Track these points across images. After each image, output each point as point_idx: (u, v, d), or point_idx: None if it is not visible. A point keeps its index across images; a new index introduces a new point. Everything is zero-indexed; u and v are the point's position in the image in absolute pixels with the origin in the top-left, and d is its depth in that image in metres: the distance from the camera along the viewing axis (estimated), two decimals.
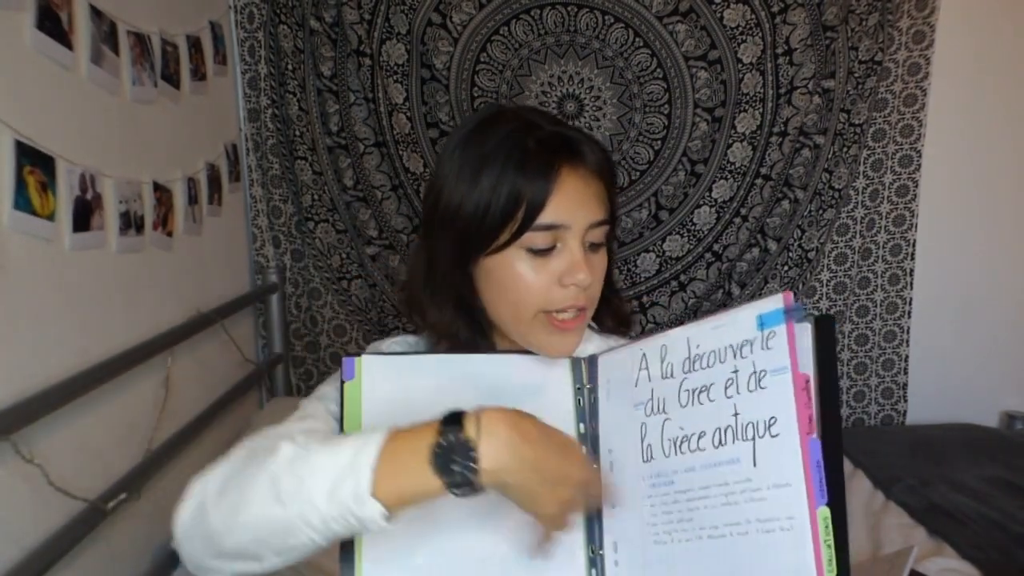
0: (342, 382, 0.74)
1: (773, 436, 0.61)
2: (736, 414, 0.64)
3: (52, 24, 1.19)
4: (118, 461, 1.37)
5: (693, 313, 2.20)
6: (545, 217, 0.72)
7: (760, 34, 2.03)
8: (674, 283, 2.20)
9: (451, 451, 0.59)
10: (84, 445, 1.27)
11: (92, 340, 1.30)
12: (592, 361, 0.79)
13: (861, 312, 2.25)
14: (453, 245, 0.77)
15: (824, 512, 0.58)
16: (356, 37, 2.01)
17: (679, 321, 2.22)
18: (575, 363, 0.79)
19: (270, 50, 2.05)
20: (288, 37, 2.04)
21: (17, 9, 1.13)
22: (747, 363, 0.64)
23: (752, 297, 2.20)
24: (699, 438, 0.66)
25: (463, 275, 0.78)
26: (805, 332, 0.61)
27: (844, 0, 2.00)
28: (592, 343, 0.88)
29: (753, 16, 2.02)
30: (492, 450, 0.59)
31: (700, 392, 0.67)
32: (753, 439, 0.62)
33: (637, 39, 2.05)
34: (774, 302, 0.63)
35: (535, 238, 0.73)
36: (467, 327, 0.80)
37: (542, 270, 0.74)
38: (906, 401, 2.27)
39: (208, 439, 1.74)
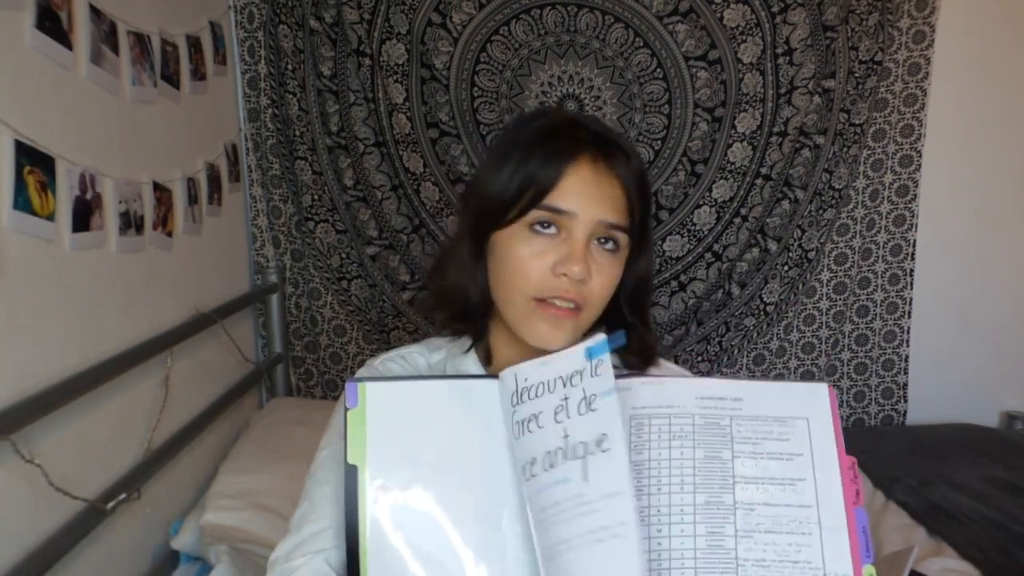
0: (346, 409, 0.73)
1: (603, 451, 0.66)
2: (566, 436, 0.68)
3: (52, 24, 1.19)
4: (118, 461, 1.37)
5: (693, 313, 2.20)
6: (552, 199, 0.74)
7: (760, 34, 2.03)
8: (674, 283, 2.20)
9: None
10: (84, 445, 1.27)
11: (92, 340, 1.30)
12: None
13: (861, 312, 2.25)
14: (471, 219, 0.80)
15: (870, 570, 0.66)
16: (356, 37, 2.01)
17: (680, 321, 2.22)
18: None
19: (270, 50, 2.05)
20: (288, 37, 2.04)
21: (17, 9, 1.13)
22: (577, 390, 0.69)
23: (752, 297, 2.20)
24: (531, 464, 0.69)
25: (476, 250, 0.80)
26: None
27: (844, 0, 2.00)
28: None
29: (753, 16, 2.02)
30: None
31: (528, 421, 0.70)
32: (584, 457, 0.67)
33: (637, 39, 2.05)
34: (597, 338, 0.70)
35: (539, 215, 0.74)
36: (472, 298, 0.81)
37: (541, 256, 0.75)
38: (906, 401, 2.27)
39: (208, 439, 1.74)
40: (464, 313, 0.83)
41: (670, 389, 0.74)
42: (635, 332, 0.84)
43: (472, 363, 0.86)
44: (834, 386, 0.71)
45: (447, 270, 0.83)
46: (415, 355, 0.89)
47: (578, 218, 0.74)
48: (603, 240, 0.76)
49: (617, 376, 0.77)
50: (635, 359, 0.86)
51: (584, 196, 0.74)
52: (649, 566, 0.66)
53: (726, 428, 0.71)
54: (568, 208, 0.74)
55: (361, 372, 0.88)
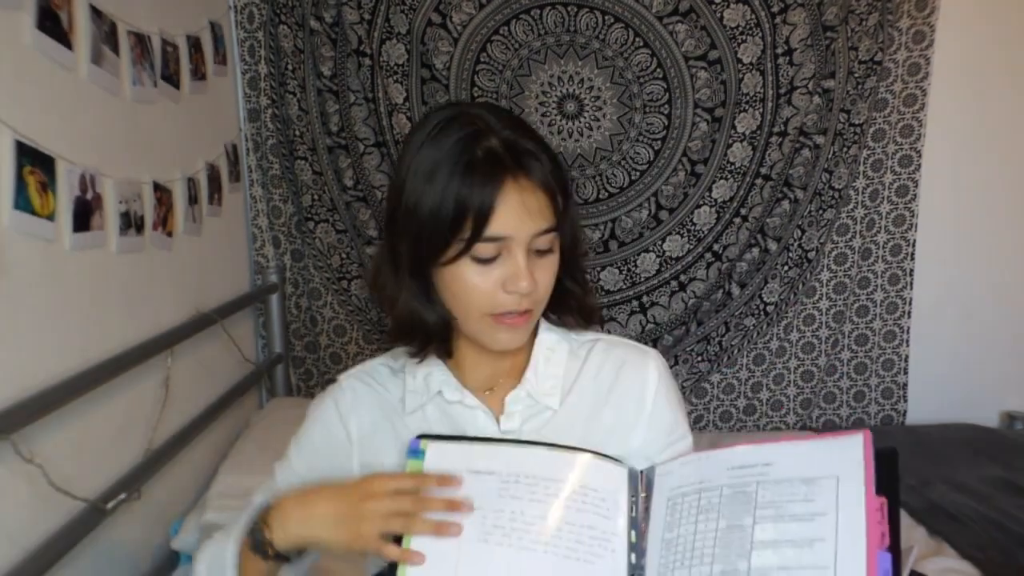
0: (408, 456, 0.78)
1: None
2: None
3: (52, 24, 1.19)
4: (118, 461, 1.37)
5: (693, 313, 2.20)
6: (490, 230, 0.76)
7: (760, 34, 2.03)
8: (674, 283, 2.20)
9: (254, 532, 0.80)
10: (84, 445, 1.27)
11: (92, 340, 1.30)
12: (649, 473, 0.79)
13: (861, 312, 2.25)
14: (411, 252, 0.80)
15: None
16: (356, 37, 2.01)
17: (680, 321, 2.22)
18: (632, 474, 0.79)
19: (270, 50, 2.05)
20: (288, 37, 2.04)
21: (17, 9, 1.13)
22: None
23: (752, 297, 2.20)
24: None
25: (423, 278, 0.82)
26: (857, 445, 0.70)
27: (844, 0, 2.00)
28: (552, 336, 0.90)
29: (753, 16, 2.02)
30: (276, 521, 0.78)
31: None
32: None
33: (637, 39, 2.05)
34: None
35: (480, 249, 0.77)
36: (431, 322, 0.84)
37: (488, 276, 0.78)
38: (906, 401, 2.27)
39: (208, 439, 1.74)
40: (426, 339, 0.85)
41: (705, 465, 0.76)
42: (573, 295, 0.88)
43: (434, 364, 0.88)
44: (867, 432, 0.71)
45: (396, 301, 0.84)
46: (379, 367, 0.92)
47: (515, 239, 0.77)
48: (540, 252, 0.80)
49: (658, 464, 0.79)
50: (576, 319, 0.90)
51: (515, 218, 0.76)
52: None
53: (751, 495, 0.71)
54: (505, 234, 0.76)
55: (329, 393, 0.92)
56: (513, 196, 0.76)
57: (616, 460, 0.79)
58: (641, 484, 0.78)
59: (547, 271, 0.81)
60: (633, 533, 0.76)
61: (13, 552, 1.08)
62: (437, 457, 0.77)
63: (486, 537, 0.73)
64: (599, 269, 2.19)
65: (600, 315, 0.92)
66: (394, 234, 0.82)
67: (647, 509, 0.77)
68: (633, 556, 0.75)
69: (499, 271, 0.78)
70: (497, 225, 0.76)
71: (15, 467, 1.08)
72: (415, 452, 0.77)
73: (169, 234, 1.59)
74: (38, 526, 1.13)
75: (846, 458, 0.69)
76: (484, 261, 0.77)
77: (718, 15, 2.02)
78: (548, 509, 0.75)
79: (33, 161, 1.13)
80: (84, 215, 1.26)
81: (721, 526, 0.71)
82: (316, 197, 2.14)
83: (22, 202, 1.11)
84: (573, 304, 0.89)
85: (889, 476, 0.68)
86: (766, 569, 0.68)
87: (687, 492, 0.75)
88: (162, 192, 1.55)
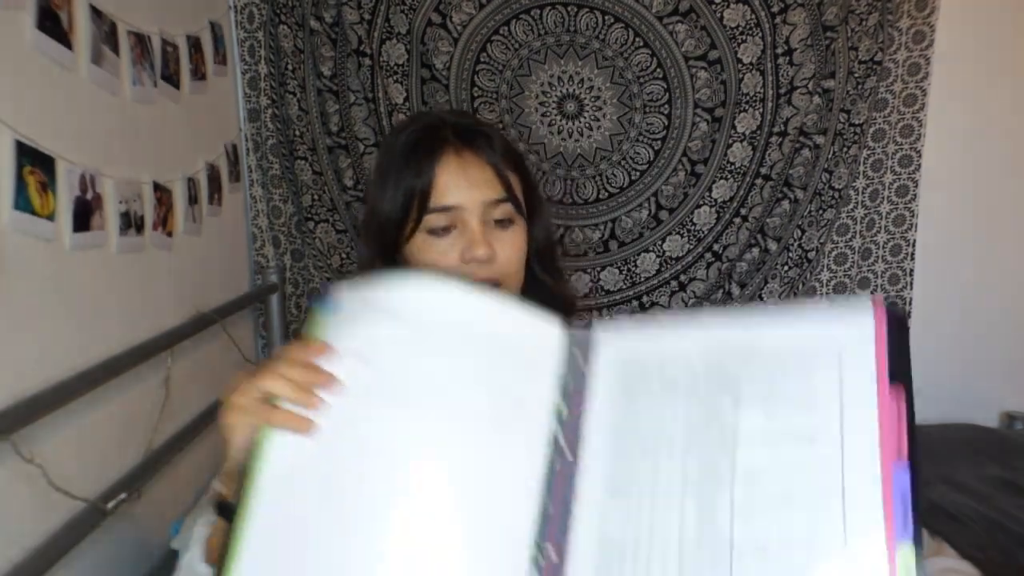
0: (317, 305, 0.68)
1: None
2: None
3: (52, 24, 1.19)
4: (118, 461, 1.37)
5: None
6: (436, 200, 0.79)
7: (760, 34, 2.03)
8: (674, 283, 2.20)
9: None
10: (84, 445, 1.27)
11: (92, 340, 1.30)
12: (585, 339, 0.64)
13: None
14: (375, 239, 0.84)
15: (907, 551, 0.47)
16: (356, 37, 2.01)
17: None
18: (569, 338, 0.65)
19: (270, 50, 2.05)
20: (288, 37, 2.04)
21: (17, 9, 1.13)
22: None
23: (752, 297, 2.20)
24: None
25: (393, 264, 0.85)
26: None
27: (844, 0, 2.00)
28: None
29: (753, 16, 2.02)
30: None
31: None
32: None
33: (637, 39, 2.05)
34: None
35: (431, 220, 0.80)
36: None
37: (448, 250, 0.80)
38: None
39: (208, 439, 1.74)
40: None
41: (669, 336, 0.61)
42: (546, 286, 0.90)
43: None
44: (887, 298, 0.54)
45: None
46: None
47: (464, 208, 0.79)
48: (500, 222, 0.81)
49: (599, 327, 0.65)
50: (553, 311, 0.87)
51: (459, 186, 0.79)
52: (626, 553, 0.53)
53: (731, 372, 0.56)
54: (451, 203, 0.79)
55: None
56: (453, 166, 0.79)
57: (550, 319, 0.66)
58: (580, 351, 0.63)
59: (508, 243, 0.82)
60: (564, 407, 0.61)
61: (13, 552, 1.08)
62: (350, 302, 0.65)
63: (373, 394, 0.60)
64: (599, 269, 2.19)
65: (576, 305, 0.93)
66: (364, 235, 0.87)
67: (583, 382, 0.61)
68: (561, 435, 0.60)
69: (458, 244, 0.80)
70: (440, 194, 0.79)
71: (15, 467, 1.08)
72: (324, 303, 0.64)
73: (169, 234, 1.59)
74: (38, 526, 1.13)
75: (850, 332, 0.53)
76: (439, 233, 0.80)
77: (718, 15, 2.02)
78: (461, 364, 0.62)
79: (33, 161, 1.13)
80: (84, 215, 1.26)
81: (694, 411, 0.56)
82: (316, 197, 2.14)
83: (22, 202, 1.11)
84: (546, 295, 0.89)
85: (901, 354, 0.51)
86: (755, 472, 0.52)
87: (647, 367, 0.59)
88: (162, 192, 1.55)
